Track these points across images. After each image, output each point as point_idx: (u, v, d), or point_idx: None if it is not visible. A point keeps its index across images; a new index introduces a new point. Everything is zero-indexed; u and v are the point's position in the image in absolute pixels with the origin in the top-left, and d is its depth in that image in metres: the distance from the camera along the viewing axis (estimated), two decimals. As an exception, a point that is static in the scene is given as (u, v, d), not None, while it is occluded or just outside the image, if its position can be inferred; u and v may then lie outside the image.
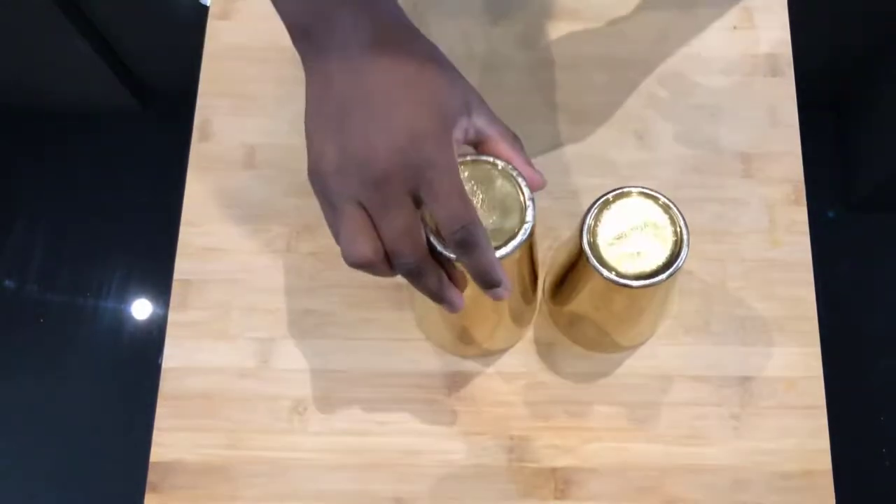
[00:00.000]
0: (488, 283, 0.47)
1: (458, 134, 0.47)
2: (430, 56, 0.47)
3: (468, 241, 0.45)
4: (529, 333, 0.65)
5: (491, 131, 0.49)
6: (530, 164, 0.50)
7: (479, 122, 0.49)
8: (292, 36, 0.48)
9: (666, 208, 0.53)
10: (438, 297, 0.48)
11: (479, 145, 0.50)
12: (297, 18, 0.48)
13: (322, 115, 0.47)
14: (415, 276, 0.47)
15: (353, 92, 0.46)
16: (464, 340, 0.62)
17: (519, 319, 0.62)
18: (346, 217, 0.46)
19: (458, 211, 0.45)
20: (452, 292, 0.48)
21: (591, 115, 0.72)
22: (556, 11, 0.75)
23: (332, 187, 0.46)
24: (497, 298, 0.49)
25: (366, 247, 0.46)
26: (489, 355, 0.64)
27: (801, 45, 0.74)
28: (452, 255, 0.47)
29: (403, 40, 0.47)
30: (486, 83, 0.72)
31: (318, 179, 0.47)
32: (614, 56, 0.74)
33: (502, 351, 0.65)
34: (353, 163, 0.45)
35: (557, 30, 0.74)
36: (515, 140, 0.51)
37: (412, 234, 0.45)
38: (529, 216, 0.49)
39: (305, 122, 0.48)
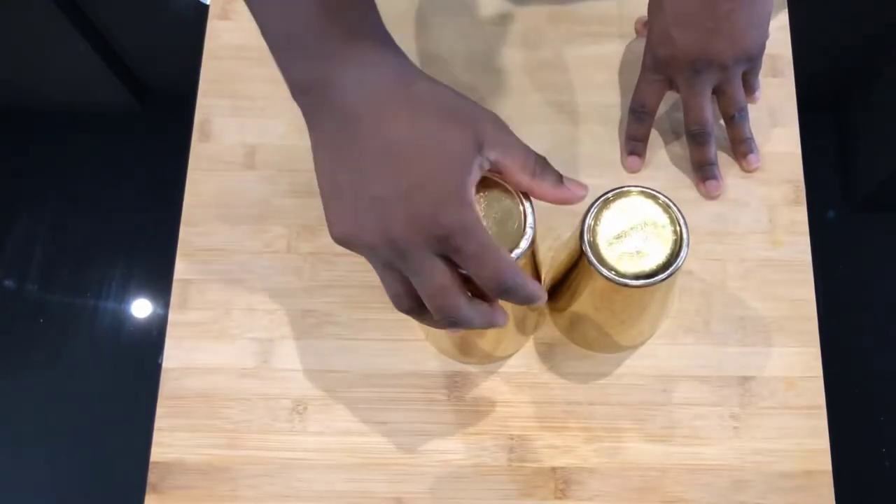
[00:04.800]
0: (531, 305, 0.49)
1: (474, 177, 0.45)
2: (433, 99, 0.45)
3: (513, 290, 0.46)
4: (529, 333, 0.65)
5: (507, 162, 0.47)
6: (560, 185, 0.49)
7: (493, 154, 0.46)
8: (292, 90, 0.47)
9: (666, 207, 0.53)
10: (487, 326, 0.49)
11: (498, 174, 0.49)
12: (298, 75, 0.46)
13: (334, 178, 0.46)
14: (462, 324, 0.47)
15: (361, 154, 0.44)
16: (468, 349, 0.62)
17: (523, 327, 0.62)
18: (383, 275, 0.47)
19: (495, 270, 0.45)
20: (496, 315, 0.49)
21: (591, 115, 0.72)
22: (555, 11, 0.75)
23: (361, 249, 0.46)
24: (534, 303, 0.49)
25: (405, 303, 0.47)
26: (492, 362, 0.64)
27: (801, 45, 0.74)
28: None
29: (403, 91, 0.45)
30: (487, 83, 0.72)
31: (346, 242, 0.46)
32: (614, 56, 0.74)
33: (506, 358, 0.65)
34: (376, 232, 0.44)
35: (557, 30, 0.74)
36: (537, 164, 0.48)
37: (447, 292, 0.45)
38: (530, 224, 0.49)
39: (318, 178, 0.47)
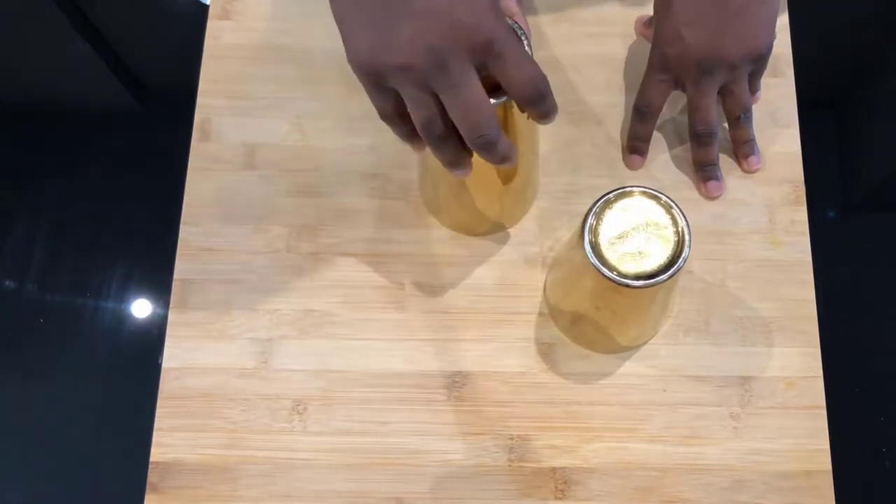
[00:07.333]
0: (546, 114, 0.50)
1: None
2: None
3: (544, 95, 0.49)
4: (530, 333, 0.65)
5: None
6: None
7: None
8: None
9: (668, 208, 0.53)
10: (507, 155, 0.50)
11: None
12: None
13: (359, 4, 0.47)
14: (491, 146, 0.48)
15: None
16: (475, 214, 0.64)
17: (524, 192, 0.65)
18: (416, 99, 0.48)
19: (532, 74, 0.48)
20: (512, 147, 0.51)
21: (591, 115, 0.72)
22: (556, 11, 0.75)
23: (393, 72, 0.47)
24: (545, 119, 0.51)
25: (439, 127, 0.49)
26: (500, 230, 0.65)
27: (801, 45, 0.74)
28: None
29: None
30: (487, 83, 0.72)
31: (369, 68, 0.48)
32: (614, 56, 0.74)
33: (513, 224, 0.66)
34: (415, 47, 0.46)
35: (557, 30, 0.74)
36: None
37: (483, 106, 0.47)
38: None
39: (336, 9, 0.49)
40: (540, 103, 0.49)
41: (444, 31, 0.45)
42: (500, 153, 0.49)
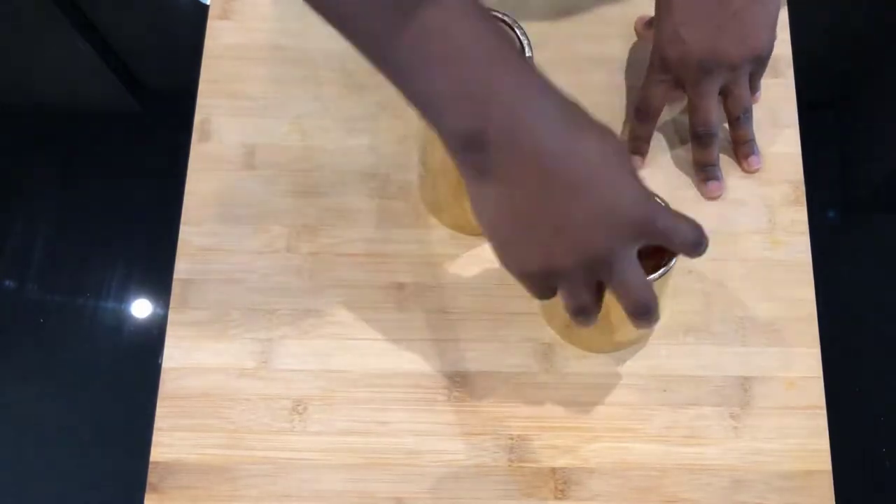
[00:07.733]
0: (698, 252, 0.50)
1: None
2: (589, 118, 0.49)
3: (701, 244, 0.50)
4: (530, 333, 0.65)
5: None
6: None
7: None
8: (460, 146, 0.46)
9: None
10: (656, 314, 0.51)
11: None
12: (468, 124, 0.45)
13: (514, 218, 0.47)
14: (649, 317, 0.50)
15: (547, 185, 0.46)
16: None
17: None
18: (573, 296, 0.49)
19: (690, 233, 0.49)
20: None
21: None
22: (555, 11, 0.75)
23: (557, 277, 0.48)
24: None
25: (596, 309, 0.51)
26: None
27: (801, 45, 0.74)
28: None
29: (572, 116, 0.49)
30: (486, 83, 0.72)
31: (541, 276, 0.49)
32: (614, 56, 0.74)
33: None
34: (583, 250, 0.47)
35: (557, 30, 0.74)
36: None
37: (649, 284, 0.49)
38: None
39: (490, 223, 0.48)
40: (698, 250, 0.50)
41: (615, 228, 0.46)
42: (653, 321, 0.50)
